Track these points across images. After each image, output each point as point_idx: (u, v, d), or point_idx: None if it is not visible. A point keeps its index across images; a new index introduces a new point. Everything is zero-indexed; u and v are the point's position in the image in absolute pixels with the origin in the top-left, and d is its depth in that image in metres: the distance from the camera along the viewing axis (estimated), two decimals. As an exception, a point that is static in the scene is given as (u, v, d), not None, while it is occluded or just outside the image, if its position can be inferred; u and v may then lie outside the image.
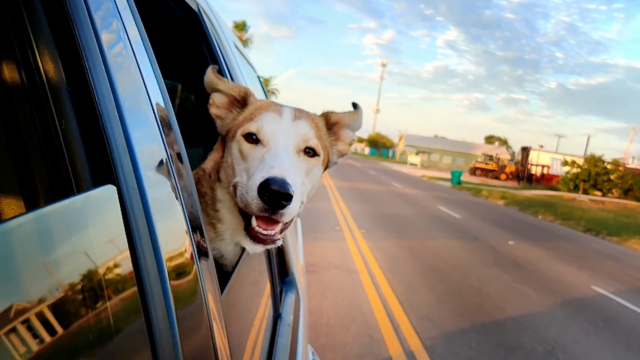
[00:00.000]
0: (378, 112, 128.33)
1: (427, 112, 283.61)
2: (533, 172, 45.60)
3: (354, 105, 1.25)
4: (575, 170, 40.49)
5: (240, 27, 31.76)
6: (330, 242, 7.67)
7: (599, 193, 39.09)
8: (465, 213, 15.40)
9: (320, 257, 6.53)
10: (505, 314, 5.35)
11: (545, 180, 45.52)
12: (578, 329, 5.18)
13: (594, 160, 40.02)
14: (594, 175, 39.49)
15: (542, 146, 52.56)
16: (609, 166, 39.93)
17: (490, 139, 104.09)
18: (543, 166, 47.96)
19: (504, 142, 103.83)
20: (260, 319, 1.33)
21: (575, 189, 38.57)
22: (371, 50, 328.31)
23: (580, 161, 41.50)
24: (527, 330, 4.88)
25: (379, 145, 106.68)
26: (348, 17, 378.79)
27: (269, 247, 1.06)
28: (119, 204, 0.51)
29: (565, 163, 41.35)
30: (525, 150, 43.63)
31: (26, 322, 0.36)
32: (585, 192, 37.23)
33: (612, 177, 39.58)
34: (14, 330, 0.35)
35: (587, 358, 4.41)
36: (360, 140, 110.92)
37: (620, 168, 39.76)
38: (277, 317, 1.61)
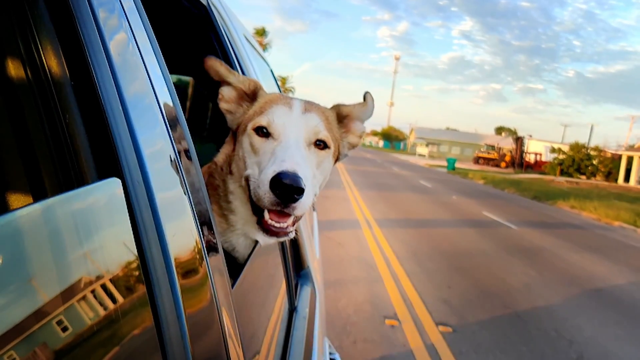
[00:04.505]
0: (392, 105, 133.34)
1: (444, 104, 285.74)
2: (527, 159, 51.01)
3: (365, 95, 1.24)
4: (561, 156, 45.65)
5: (260, 32, 35.44)
6: (337, 191, 14.06)
7: (583, 177, 44.02)
8: (438, 184, 21.44)
9: (332, 195, 12.76)
10: (420, 215, 11.59)
11: (537, 167, 50.71)
12: (462, 225, 11.10)
13: (577, 147, 45.04)
14: (578, 160, 44.46)
15: (531, 135, 57.91)
16: (592, 152, 44.88)
17: (499, 130, 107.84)
18: (536, 154, 53.29)
19: (513, 133, 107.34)
20: (276, 311, 1.34)
21: (561, 173, 43.82)
22: (386, 42, 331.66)
23: (566, 148, 46.55)
24: (424, 220, 11.02)
25: (392, 138, 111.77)
26: (362, 10, 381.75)
27: (281, 239, 1.07)
28: (124, 197, 0.52)
29: (553, 150, 46.69)
30: (519, 140, 49.17)
31: (30, 315, 0.36)
32: (569, 175, 42.42)
33: (594, 162, 44.48)
34: (17, 325, 0.34)
35: (465, 244, 8.82)
36: (375, 134, 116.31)
37: (602, 154, 44.69)
38: (292, 309, 1.62)
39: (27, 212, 0.39)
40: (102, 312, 0.43)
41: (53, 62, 0.53)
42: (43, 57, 0.52)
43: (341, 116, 1.23)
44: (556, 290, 6.20)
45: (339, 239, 7.69)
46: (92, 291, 0.43)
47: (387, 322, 4.54)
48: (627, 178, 39.97)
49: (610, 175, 42.60)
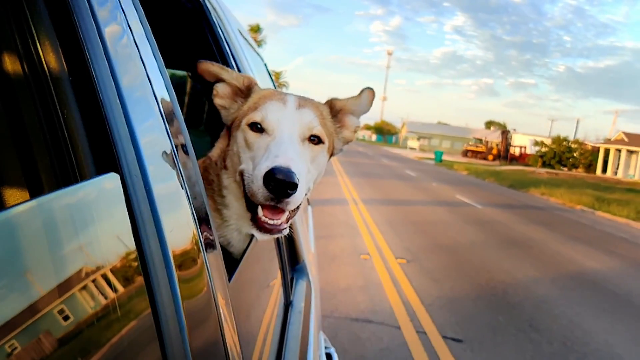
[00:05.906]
0: (385, 100, 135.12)
1: (436, 98, 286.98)
2: (512, 152, 53.30)
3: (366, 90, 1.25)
4: (543, 149, 47.83)
5: (255, 29, 36.76)
6: (330, 178, 16.07)
7: (565, 168, 46.19)
8: (422, 174, 23.57)
9: (325, 181, 14.36)
10: (399, 197, 13.57)
11: (522, 159, 53.00)
12: (434, 204, 13.06)
13: (559, 140, 47.20)
14: (559, 153, 46.63)
15: (515, 129, 60.29)
16: (572, 145, 47.06)
17: (489, 124, 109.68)
18: (521, 147, 55.62)
19: (502, 127, 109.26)
20: (271, 306, 1.35)
21: (543, 164, 45.97)
22: (379, 37, 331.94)
23: (549, 141, 48.73)
24: (402, 200, 12.98)
25: (384, 132, 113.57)
26: (355, 4, 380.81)
27: (276, 236, 1.07)
28: (122, 192, 0.52)
29: (536, 143, 48.95)
30: (504, 134, 51.47)
31: (28, 308, 0.36)
32: (551, 167, 44.62)
33: (575, 154, 46.67)
34: (15, 321, 0.34)
35: (432, 217, 11.05)
36: (367, 128, 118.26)
37: (583, 146, 46.91)
38: (288, 304, 1.63)
39: (24, 209, 0.38)
40: (100, 305, 0.44)
41: (51, 57, 0.52)
42: (40, 52, 0.52)
43: (335, 110, 1.24)
44: (495, 247, 8.16)
45: (330, 211, 9.70)
46: (91, 284, 0.43)
47: (361, 257, 6.69)
48: (604, 169, 42.19)
49: (591, 167, 44.60)
